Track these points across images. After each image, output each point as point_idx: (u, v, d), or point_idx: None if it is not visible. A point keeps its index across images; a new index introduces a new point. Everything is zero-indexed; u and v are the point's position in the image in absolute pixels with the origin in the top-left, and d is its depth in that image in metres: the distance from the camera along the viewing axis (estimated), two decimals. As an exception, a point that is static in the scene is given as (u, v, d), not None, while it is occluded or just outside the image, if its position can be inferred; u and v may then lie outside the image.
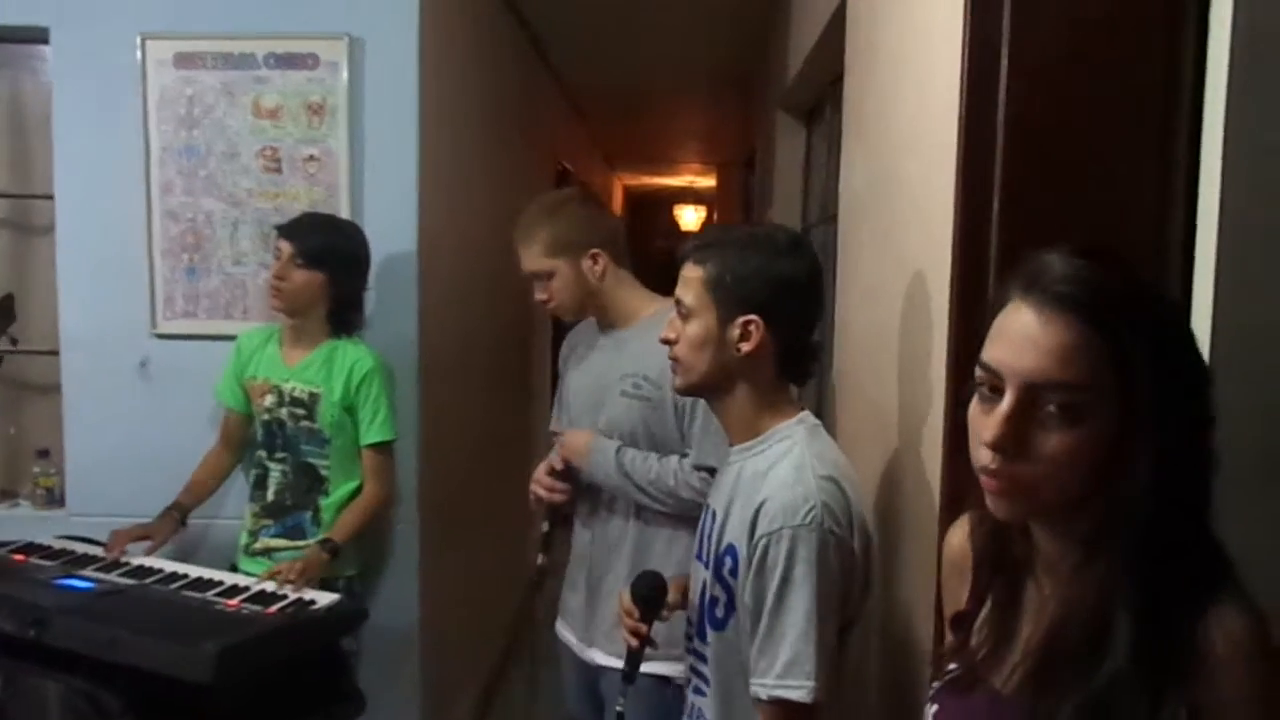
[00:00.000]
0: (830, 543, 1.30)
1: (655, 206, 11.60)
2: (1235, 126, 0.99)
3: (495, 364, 3.86)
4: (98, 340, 2.72)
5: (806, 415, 1.44)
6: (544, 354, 5.11)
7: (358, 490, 2.37)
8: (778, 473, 1.36)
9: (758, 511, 1.33)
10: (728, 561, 1.40)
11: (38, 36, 2.70)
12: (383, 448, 2.37)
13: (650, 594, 1.50)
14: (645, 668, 1.62)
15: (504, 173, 3.89)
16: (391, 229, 2.61)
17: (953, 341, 1.17)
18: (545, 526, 2.06)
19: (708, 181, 9.87)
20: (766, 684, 1.31)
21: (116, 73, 2.62)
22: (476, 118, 3.36)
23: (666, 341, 1.48)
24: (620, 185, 10.68)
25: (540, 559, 2.07)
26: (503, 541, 4.12)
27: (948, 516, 1.20)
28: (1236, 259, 1.00)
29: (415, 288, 2.66)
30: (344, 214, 2.55)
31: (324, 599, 2.09)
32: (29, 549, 2.28)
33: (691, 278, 1.42)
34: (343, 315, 2.36)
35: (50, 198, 2.74)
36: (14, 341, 2.81)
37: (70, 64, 2.68)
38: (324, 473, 2.35)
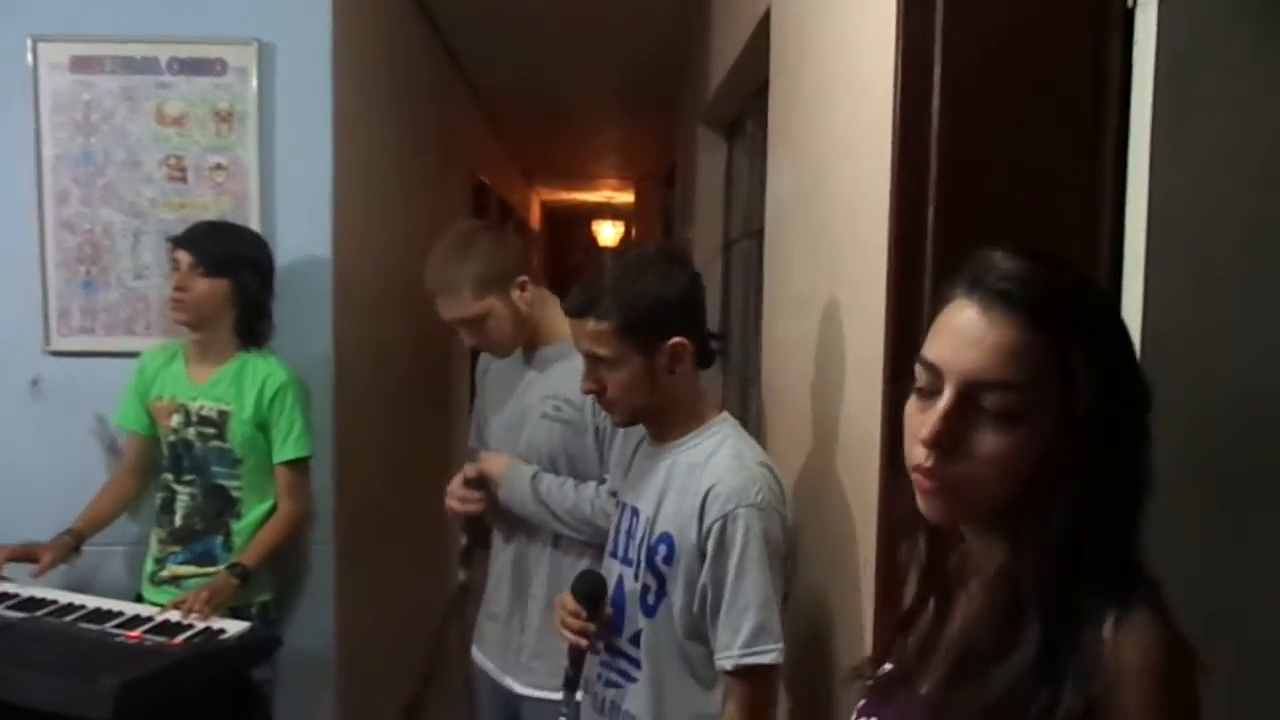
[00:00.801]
0: (776, 520, 1.41)
1: (573, 222, 11.58)
2: (1160, 132, 1.01)
3: (413, 378, 3.77)
4: (-15, 358, 2.55)
5: (726, 414, 1.56)
6: (463, 367, 5.01)
7: (271, 511, 2.27)
8: (719, 460, 1.44)
9: (706, 497, 1.41)
10: (661, 549, 1.47)
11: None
12: (298, 464, 2.27)
13: (593, 591, 1.52)
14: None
15: (419, 184, 3.82)
16: (304, 240, 2.52)
17: (889, 346, 1.17)
18: (463, 541, 2.00)
19: (626, 197, 9.89)
20: (732, 655, 1.38)
21: (6, 77, 2.48)
22: (391, 127, 3.28)
23: (590, 393, 1.54)
24: (538, 200, 10.62)
25: (461, 574, 2.02)
26: (422, 561, 4.02)
27: (885, 524, 1.20)
28: (1164, 263, 1.02)
29: (329, 300, 2.57)
30: (254, 224, 2.45)
31: (234, 627, 1.98)
32: (-108, 583, 2.12)
33: (599, 331, 1.46)
34: (251, 325, 2.26)
35: (-67, 207, 2.57)
36: None
37: (-45, 66, 2.52)
38: (235, 494, 2.24)
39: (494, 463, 1.95)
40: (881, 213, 1.20)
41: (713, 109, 3.33)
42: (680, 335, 1.47)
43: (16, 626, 1.91)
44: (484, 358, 2.17)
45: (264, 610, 2.25)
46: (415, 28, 3.75)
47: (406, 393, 3.64)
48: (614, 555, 1.59)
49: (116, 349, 2.51)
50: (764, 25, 2.18)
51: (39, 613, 1.99)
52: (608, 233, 11.16)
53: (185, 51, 2.47)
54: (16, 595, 2.07)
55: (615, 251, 1.73)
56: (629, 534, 1.55)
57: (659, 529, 1.48)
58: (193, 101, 2.48)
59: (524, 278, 1.94)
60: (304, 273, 2.52)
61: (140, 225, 2.51)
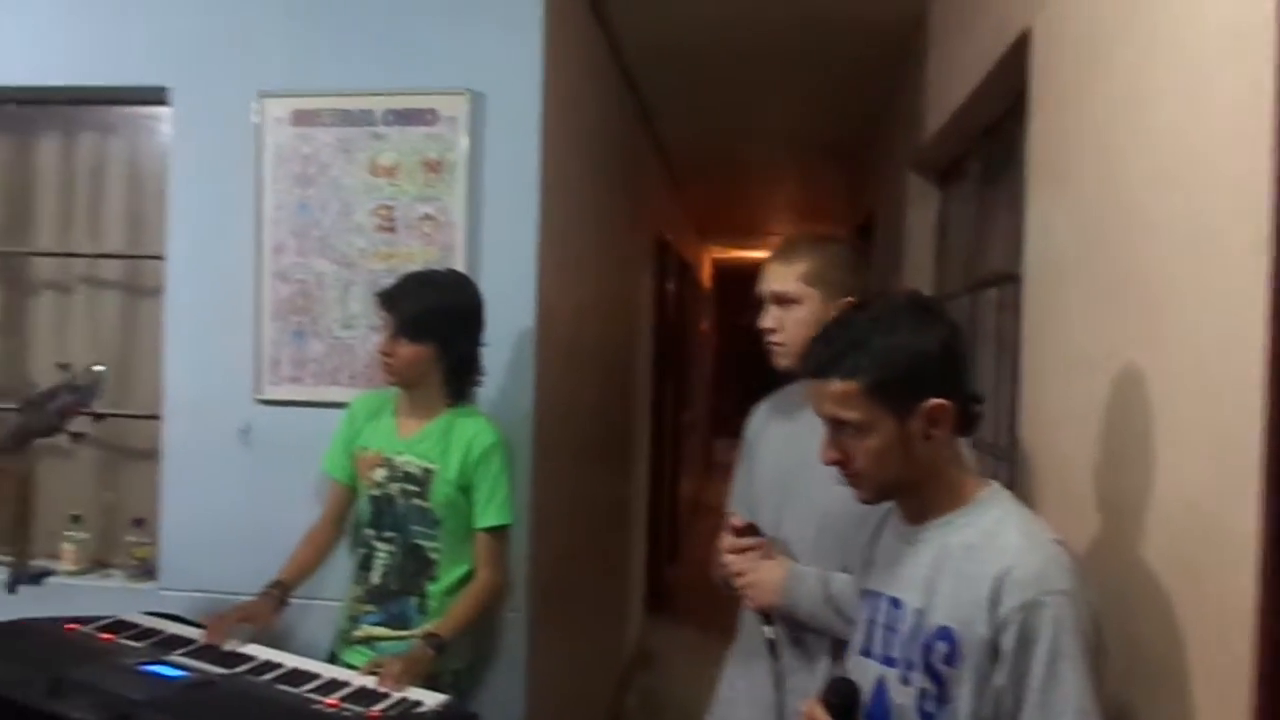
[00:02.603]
0: (1086, 610, 1.20)
1: (745, 280, 11.39)
2: None
3: (599, 436, 3.66)
4: (200, 405, 2.60)
5: (997, 484, 1.36)
6: (643, 425, 4.91)
7: (467, 577, 2.16)
8: (1008, 540, 1.25)
9: (999, 583, 1.20)
10: (940, 647, 1.24)
11: (156, 98, 2.65)
12: (499, 532, 2.16)
13: (847, 700, 1.32)
14: None
15: (610, 240, 3.75)
16: (508, 294, 2.45)
17: (1273, 422, 0.91)
18: (770, 633, 1.71)
19: (801, 254, 9.64)
20: None
21: (233, 132, 2.55)
22: (588, 181, 3.22)
23: (834, 463, 1.35)
24: (710, 258, 10.55)
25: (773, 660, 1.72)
26: (602, 626, 3.87)
27: (1270, 641, 0.93)
28: None
29: (532, 358, 2.48)
30: (460, 275, 2.39)
31: (431, 699, 1.86)
32: (117, 627, 2.12)
33: (845, 392, 1.29)
34: (459, 381, 2.17)
35: (160, 258, 2.66)
36: (96, 418, 2.65)
37: (188, 124, 2.62)
38: (433, 556, 2.14)
39: (770, 575, 1.72)
40: (1245, 255, 0.96)
41: (928, 153, 3.10)
42: (939, 395, 1.27)
43: (218, 684, 1.86)
44: (759, 414, 1.97)
45: (455, 679, 2.13)
46: (613, 83, 3.71)
47: (597, 454, 3.53)
48: (867, 654, 1.37)
49: (322, 399, 2.50)
50: (1017, 52, 1.96)
51: (239, 669, 1.94)
52: (781, 291, 10.90)
53: (399, 103, 2.46)
54: (217, 649, 2.03)
55: (859, 303, 1.52)
56: (889, 628, 1.34)
57: (935, 622, 1.26)
58: (404, 152, 2.47)
59: (850, 299, 1.73)
60: (507, 327, 2.44)
61: (350, 276, 2.51)
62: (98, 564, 2.80)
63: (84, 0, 2.66)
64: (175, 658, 1.96)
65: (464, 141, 2.44)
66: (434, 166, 2.47)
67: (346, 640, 2.19)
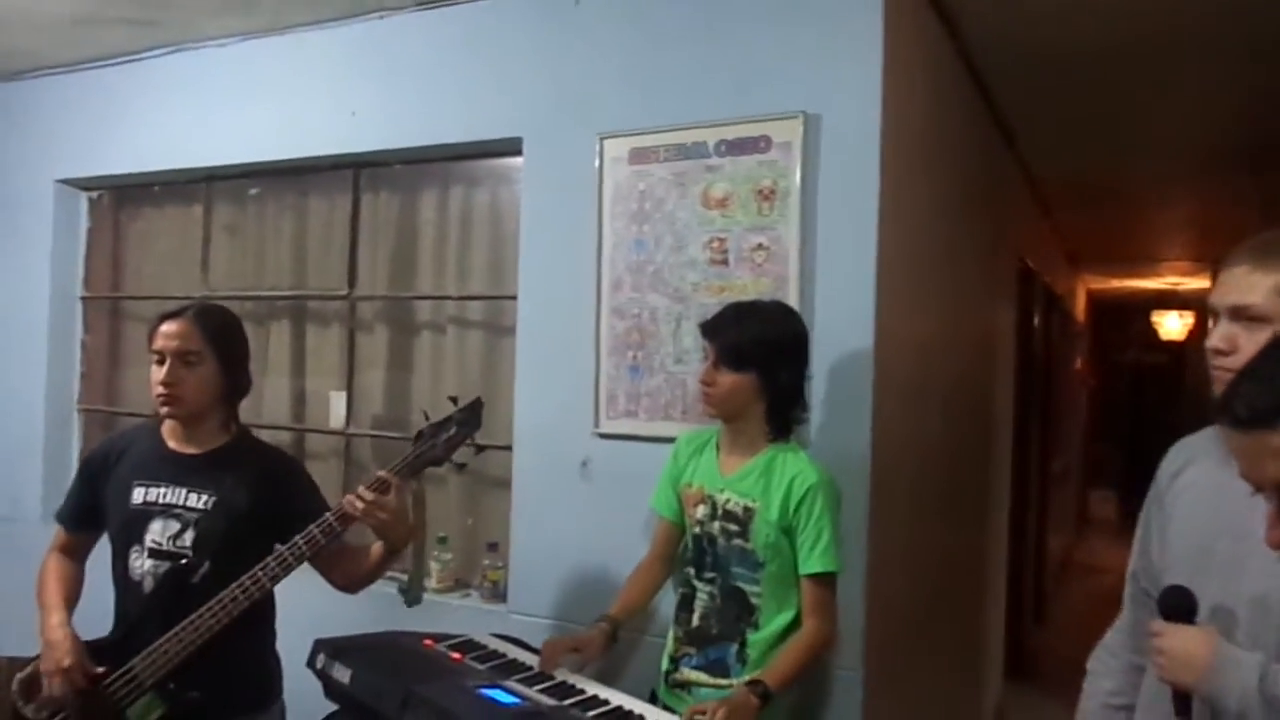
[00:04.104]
0: None
1: (1126, 313, 10.22)
2: None
3: (949, 481, 3.34)
4: (545, 437, 2.71)
5: None
6: (1002, 472, 4.46)
7: (791, 626, 2.02)
8: None
9: None
10: None
11: (513, 149, 2.84)
12: (825, 580, 2.00)
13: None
14: None
15: (963, 268, 3.44)
16: (843, 326, 2.30)
17: None
18: None
19: (1197, 283, 8.43)
20: None
21: (576, 174, 2.65)
22: (936, 205, 2.97)
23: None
24: (1084, 289, 9.54)
25: None
26: (951, 692, 3.51)
27: None
28: None
29: (869, 394, 2.30)
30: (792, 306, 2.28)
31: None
32: (466, 647, 2.23)
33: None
34: (782, 415, 2.05)
35: (513, 298, 2.83)
36: (479, 449, 2.82)
37: (536, 170, 2.77)
38: (754, 601, 2.03)
39: (1195, 646, 1.33)
40: None
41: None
42: None
43: (545, 715, 1.87)
44: (1176, 456, 1.58)
45: (780, 735, 1.99)
46: (965, 97, 3.43)
47: (940, 499, 3.23)
48: None
49: (656, 434, 2.50)
50: None
51: (567, 701, 1.94)
52: (1172, 325, 9.63)
53: (732, 132, 2.42)
54: (551, 678, 2.06)
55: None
56: None
57: None
58: (737, 181, 2.42)
59: None
60: (841, 361, 2.29)
61: (682, 310, 2.49)
62: (459, 584, 3.01)
63: (445, 65, 2.93)
64: (512, 683, 2.01)
65: (798, 167, 2.34)
66: (767, 195, 2.39)
67: (668, 682, 2.13)
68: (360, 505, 1.92)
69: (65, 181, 3.83)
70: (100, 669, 1.96)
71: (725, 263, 2.44)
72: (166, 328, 2.04)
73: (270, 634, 2.16)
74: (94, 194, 3.90)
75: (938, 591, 3.14)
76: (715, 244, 2.45)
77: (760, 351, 2.01)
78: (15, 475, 3.80)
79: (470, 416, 2.05)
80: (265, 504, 2.05)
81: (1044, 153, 4.54)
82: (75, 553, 2.19)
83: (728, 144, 2.43)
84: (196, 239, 3.67)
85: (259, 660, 2.14)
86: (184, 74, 3.46)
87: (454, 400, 2.08)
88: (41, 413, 3.79)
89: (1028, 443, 5.32)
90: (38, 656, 2.02)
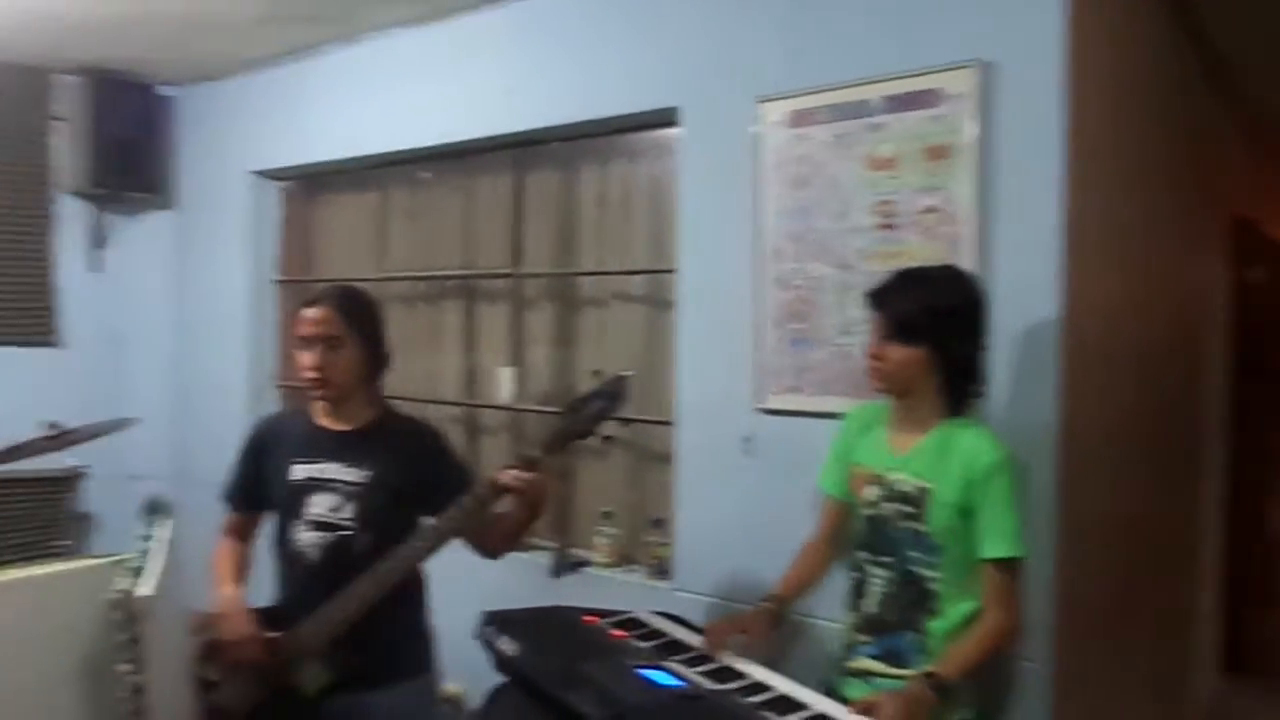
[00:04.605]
0: None
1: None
2: None
3: (1150, 455, 3.06)
4: (706, 413, 2.66)
5: None
6: (1213, 444, 4.06)
7: (974, 615, 1.88)
8: None
9: None
10: None
11: (669, 120, 2.77)
12: (1007, 565, 1.85)
13: None
14: None
15: (1163, 224, 3.12)
16: (1025, 291, 2.12)
17: None
18: None
19: None
20: None
21: (734, 142, 2.58)
22: (1131, 157, 2.69)
23: None
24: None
25: None
26: (1154, 686, 3.24)
27: None
28: None
29: (1054, 364, 2.11)
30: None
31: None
32: (628, 624, 2.22)
33: None
34: (957, 389, 1.91)
35: (673, 271, 2.78)
36: (624, 422, 2.81)
37: (694, 140, 2.71)
38: (933, 587, 1.90)
39: None
40: None
41: None
42: None
43: (706, 700, 1.83)
44: None
45: (960, 730, 1.87)
46: (1162, 29, 3.09)
47: (1143, 474, 2.96)
48: None
49: (822, 409, 2.39)
50: None
51: (729, 685, 1.90)
52: None
53: (897, 87, 2.27)
54: (715, 661, 2.02)
55: None
56: None
57: None
58: (904, 140, 2.27)
59: None
60: (1023, 329, 2.12)
61: (847, 279, 2.37)
62: (624, 559, 3.02)
63: (599, 39, 2.90)
64: (672, 664, 1.98)
65: (972, 121, 2.17)
66: (937, 153, 2.23)
67: (841, 669, 2.05)
68: (512, 482, 1.95)
69: (258, 173, 4.08)
70: (273, 634, 2.07)
71: (892, 227, 2.30)
72: (308, 314, 2.11)
73: (424, 603, 2.22)
74: (284, 184, 4.14)
75: (1136, 576, 2.88)
76: (882, 208, 2.31)
77: (932, 322, 1.87)
78: (224, 448, 4.10)
79: (614, 390, 2.03)
80: (417, 475, 2.11)
81: (1263, 84, 4.03)
82: (244, 533, 2.29)
83: (893, 100, 2.28)
84: (375, 223, 3.83)
85: (415, 629, 2.21)
86: (355, 65, 3.60)
87: (597, 374, 2.06)
88: (243, 390, 4.08)
89: (1245, 411, 4.83)
90: (208, 619, 2.13)
